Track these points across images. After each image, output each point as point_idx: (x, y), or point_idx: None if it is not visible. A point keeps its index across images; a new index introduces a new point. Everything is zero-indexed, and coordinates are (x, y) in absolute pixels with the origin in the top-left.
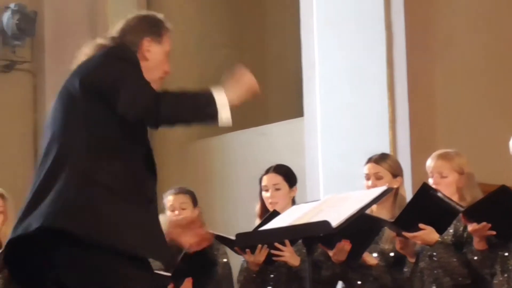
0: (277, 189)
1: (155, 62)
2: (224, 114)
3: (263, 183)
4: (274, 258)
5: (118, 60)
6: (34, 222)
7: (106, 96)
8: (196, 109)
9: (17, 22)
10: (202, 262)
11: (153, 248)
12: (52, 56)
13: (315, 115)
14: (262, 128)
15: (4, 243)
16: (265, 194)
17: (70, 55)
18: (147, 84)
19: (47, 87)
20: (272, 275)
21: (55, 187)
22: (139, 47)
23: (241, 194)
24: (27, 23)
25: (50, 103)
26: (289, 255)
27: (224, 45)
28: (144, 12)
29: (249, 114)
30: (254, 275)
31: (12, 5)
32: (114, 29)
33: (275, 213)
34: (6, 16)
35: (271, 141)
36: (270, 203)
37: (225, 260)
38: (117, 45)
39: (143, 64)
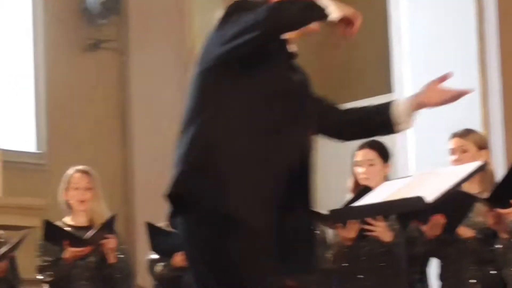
0: (371, 165)
1: None
2: (331, 11)
3: (357, 158)
4: (366, 234)
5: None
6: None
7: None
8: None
9: (103, 0)
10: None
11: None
12: (137, 34)
13: (404, 91)
14: (350, 105)
15: (94, 219)
16: (358, 169)
17: (155, 33)
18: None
19: (133, 65)
20: (364, 250)
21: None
22: None
23: (332, 170)
24: (112, 2)
25: (136, 81)
26: (381, 230)
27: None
28: None
29: (338, 91)
30: (346, 249)
31: None
32: None
33: (366, 189)
34: None
35: None
36: (363, 178)
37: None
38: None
39: None
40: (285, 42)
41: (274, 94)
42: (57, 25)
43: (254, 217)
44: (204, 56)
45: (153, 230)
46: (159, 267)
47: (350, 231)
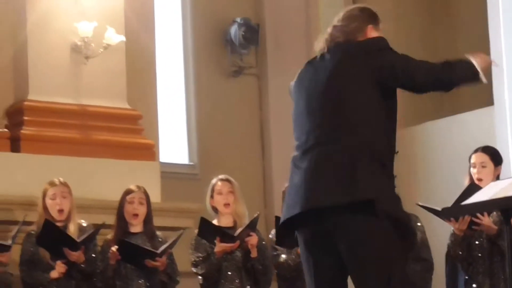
0: (483, 167)
1: None
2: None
3: (472, 161)
4: (474, 227)
5: (384, 49)
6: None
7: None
8: (465, 71)
9: (243, 33)
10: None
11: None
12: (274, 61)
13: (504, 104)
14: (456, 117)
15: (237, 220)
16: (473, 170)
17: (289, 60)
18: (424, 61)
19: (270, 89)
20: (476, 242)
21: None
22: (365, 32)
23: (442, 172)
24: (252, 34)
25: (273, 102)
26: (487, 224)
27: (416, 42)
28: (359, 4)
29: (444, 104)
30: (460, 239)
31: (238, 19)
32: (336, 19)
33: (472, 186)
34: (234, 28)
35: (464, 128)
36: (477, 178)
37: (418, 224)
38: (365, 39)
39: None
40: None
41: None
42: (205, 55)
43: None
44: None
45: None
46: (282, 259)
47: (462, 224)
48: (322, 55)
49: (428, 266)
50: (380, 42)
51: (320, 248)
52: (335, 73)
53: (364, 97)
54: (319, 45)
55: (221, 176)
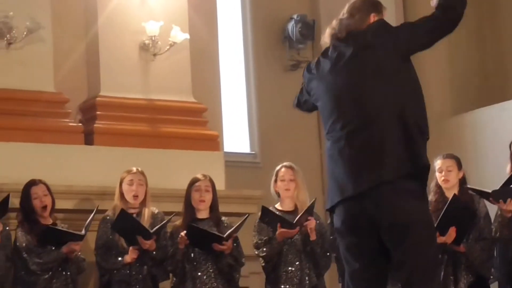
0: None
1: None
2: None
3: None
4: None
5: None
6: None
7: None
8: None
9: (300, 29)
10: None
11: None
12: None
13: None
14: (503, 104)
15: (298, 205)
16: None
17: None
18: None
19: None
20: None
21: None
22: (368, 21)
23: (491, 159)
24: (308, 30)
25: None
26: None
27: (467, 36)
28: None
29: (493, 92)
30: (508, 220)
31: (295, 16)
32: (341, 12)
33: None
34: (291, 25)
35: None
36: None
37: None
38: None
39: None
40: None
41: None
42: (264, 50)
43: None
44: (390, 44)
45: None
46: None
47: (510, 205)
48: (334, 47)
49: (488, 245)
50: (381, 22)
51: (363, 229)
52: (353, 63)
53: (387, 74)
54: (325, 39)
55: (285, 163)
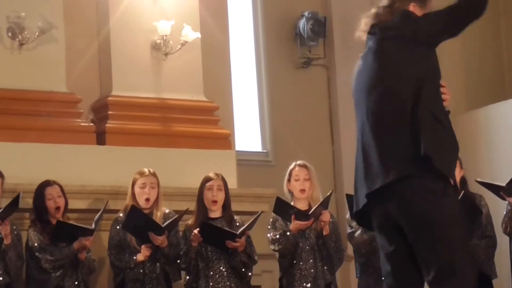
0: None
1: None
2: None
3: None
4: None
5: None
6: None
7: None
8: None
9: (311, 26)
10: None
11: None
12: (340, 52)
13: None
14: None
15: (312, 204)
16: None
17: (355, 50)
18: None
19: (338, 78)
20: None
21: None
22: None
23: (505, 154)
24: (319, 27)
25: (341, 91)
26: None
27: (482, 31)
28: None
29: (506, 88)
30: None
31: (306, 13)
32: (382, 1)
33: None
34: (302, 22)
35: None
36: None
37: (483, 203)
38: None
39: None
40: None
41: None
42: (275, 47)
43: None
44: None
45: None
46: (357, 235)
47: None
48: (367, 41)
49: (491, 242)
50: (404, 12)
51: (388, 230)
52: (375, 57)
53: (404, 66)
54: (362, 28)
55: (299, 162)
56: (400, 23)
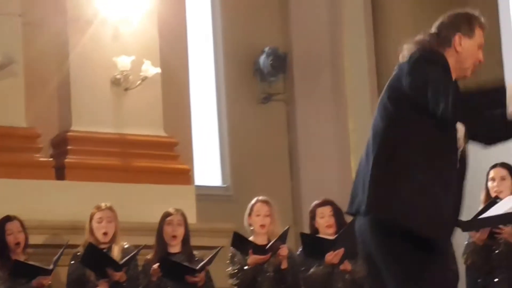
0: (503, 179)
1: (466, 54)
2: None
3: (490, 176)
4: (496, 235)
5: (426, 63)
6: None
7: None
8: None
9: (271, 62)
10: None
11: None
12: (301, 88)
13: None
14: None
15: (271, 239)
16: (490, 184)
17: (315, 86)
18: (450, 87)
19: (298, 113)
20: (496, 250)
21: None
22: (452, 42)
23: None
24: (280, 62)
25: (301, 127)
26: (507, 234)
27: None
28: (458, 10)
29: None
30: (479, 249)
31: (266, 49)
32: (434, 25)
33: (493, 202)
34: (262, 58)
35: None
36: (495, 191)
37: None
38: (424, 50)
39: (455, 56)
40: None
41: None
42: (236, 83)
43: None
44: (394, 88)
45: (306, 239)
46: (310, 272)
47: (483, 234)
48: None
49: (454, 276)
50: (414, 56)
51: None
52: (385, 91)
53: (390, 110)
54: (404, 54)
55: (261, 198)
56: (404, 67)
